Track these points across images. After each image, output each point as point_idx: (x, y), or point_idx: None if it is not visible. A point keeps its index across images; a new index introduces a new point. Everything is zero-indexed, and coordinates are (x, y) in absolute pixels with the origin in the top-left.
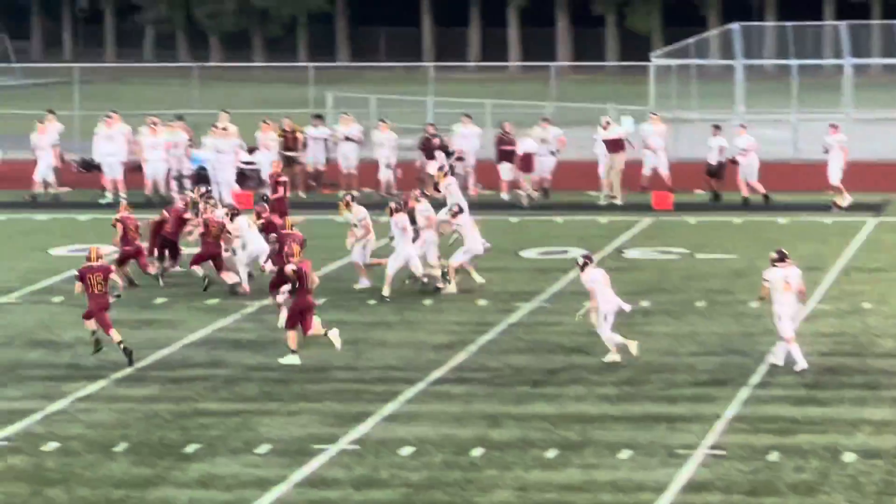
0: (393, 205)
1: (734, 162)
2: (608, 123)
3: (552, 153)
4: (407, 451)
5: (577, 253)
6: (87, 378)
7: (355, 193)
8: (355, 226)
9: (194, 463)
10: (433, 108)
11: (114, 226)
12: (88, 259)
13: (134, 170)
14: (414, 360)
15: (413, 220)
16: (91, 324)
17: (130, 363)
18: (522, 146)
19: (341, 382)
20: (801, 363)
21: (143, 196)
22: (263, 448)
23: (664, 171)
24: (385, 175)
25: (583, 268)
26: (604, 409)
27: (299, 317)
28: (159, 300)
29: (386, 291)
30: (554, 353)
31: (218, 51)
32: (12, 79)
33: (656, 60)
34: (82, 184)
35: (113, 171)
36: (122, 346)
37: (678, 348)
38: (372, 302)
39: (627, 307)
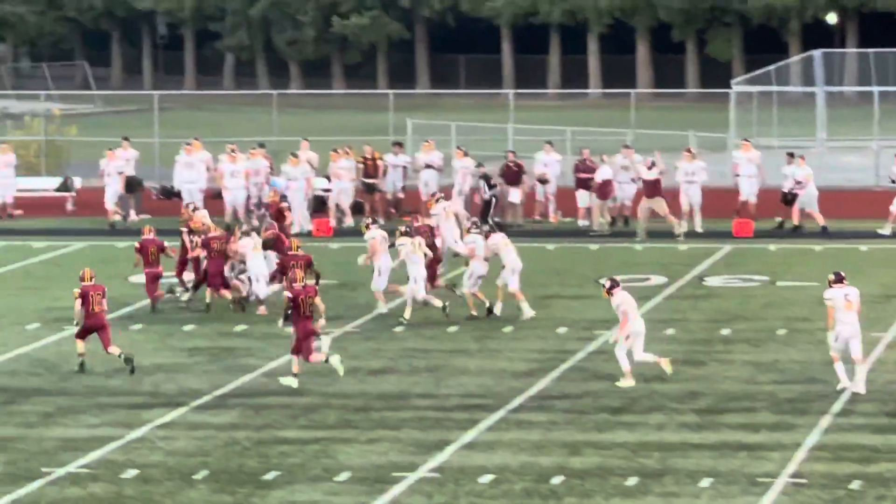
0: (402, 228)
1: (793, 194)
2: (653, 164)
3: (633, 180)
4: (487, 478)
5: (658, 280)
6: (167, 405)
7: (377, 218)
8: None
9: (274, 490)
10: (513, 135)
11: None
12: (82, 279)
13: (214, 197)
14: (494, 388)
15: (432, 245)
16: (81, 345)
17: (132, 371)
18: (600, 173)
19: (421, 410)
20: (845, 382)
21: (223, 223)
22: (343, 476)
23: (752, 199)
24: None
25: (610, 291)
26: (684, 436)
27: (304, 342)
28: (239, 328)
29: (439, 303)
30: (634, 380)
31: (298, 78)
32: (93, 106)
33: (737, 87)
34: (162, 211)
35: (193, 198)
36: (122, 356)
37: (759, 376)
38: (452, 329)
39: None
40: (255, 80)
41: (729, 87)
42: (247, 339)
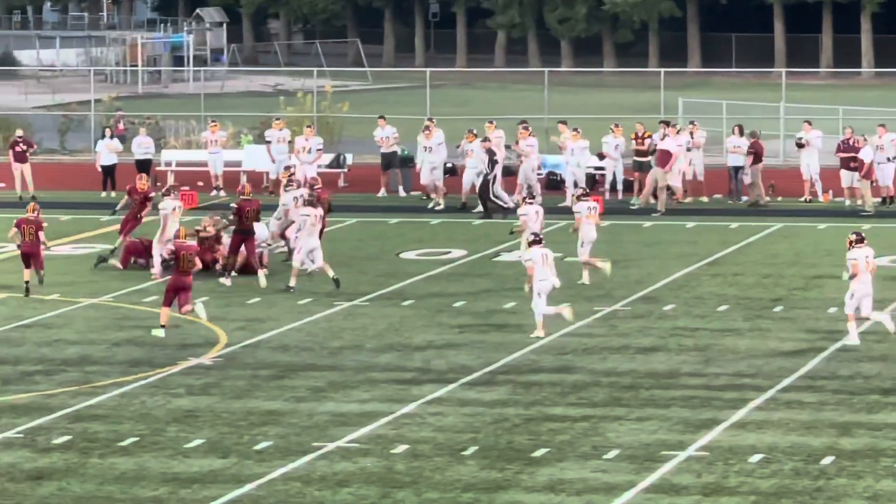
0: (305, 196)
1: None
2: (665, 136)
3: (888, 160)
4: (756, 458)
5: None
6: (436, 381)
7: (535, 194)
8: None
9: (543, 468)
10: (784, 114)
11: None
12: (27, 212)
13: (453, 174)
14: (763, 368)
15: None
16: (27, 273)
17: (27, 294)
18: (863, 153)
19: (690, 389)
20: (854, 339)
21: (459, 202)
22: (612, 453)
23: None
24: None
25: (529, 245)
26: None
27: (174, 294)
28: (508, 304)
29: (292, 282)
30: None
31: (569, 56)
32: (365, 83)
33: None
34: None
35: (434, 178)
36: (27, 285)
37: None
38: (722, 308)
39: (558, 283)
40: (525, 58)
41: None
42: (516, 316)
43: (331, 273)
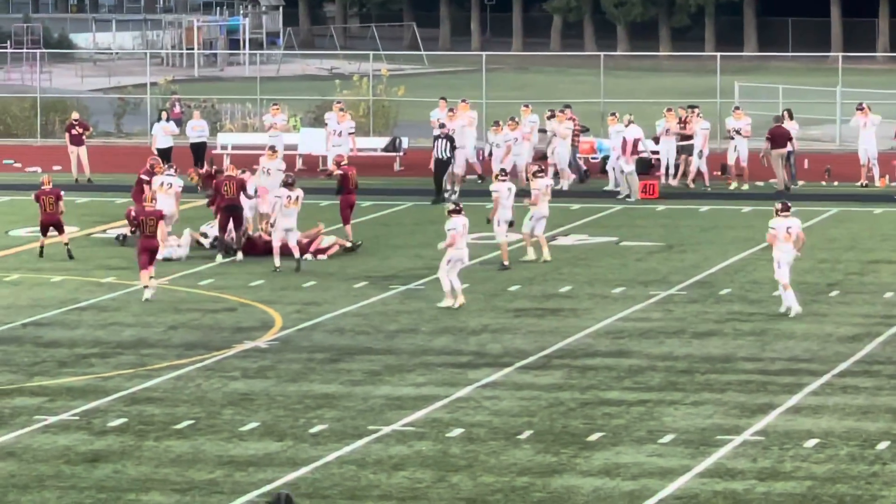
0: (288, 179)
1: None
2: (630, 122)
3: None
4: (811, 443)
5: None
6: (492, 365)
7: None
8: None
9: (598, 451)
10: (841, 98)
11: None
12: (42, 184)
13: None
14: (819, 352)
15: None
16: (42, 239)
17: (70, 257)
18: None
19: (746, 373)
20: (795, 307)
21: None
22: (667, 438)
23: None
24: (696, 164)
25: (450, 214)
26: None
27: (146, 256)
28: (564, 288)
29: (277, 262)
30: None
31: (624, 40)
32: (420, 67)
33: None
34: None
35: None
36: (67, 246)
37: None
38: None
39: (468, 262)
40: (581, 42)
41: None
42: (571, 301)
43: (296, 254)
